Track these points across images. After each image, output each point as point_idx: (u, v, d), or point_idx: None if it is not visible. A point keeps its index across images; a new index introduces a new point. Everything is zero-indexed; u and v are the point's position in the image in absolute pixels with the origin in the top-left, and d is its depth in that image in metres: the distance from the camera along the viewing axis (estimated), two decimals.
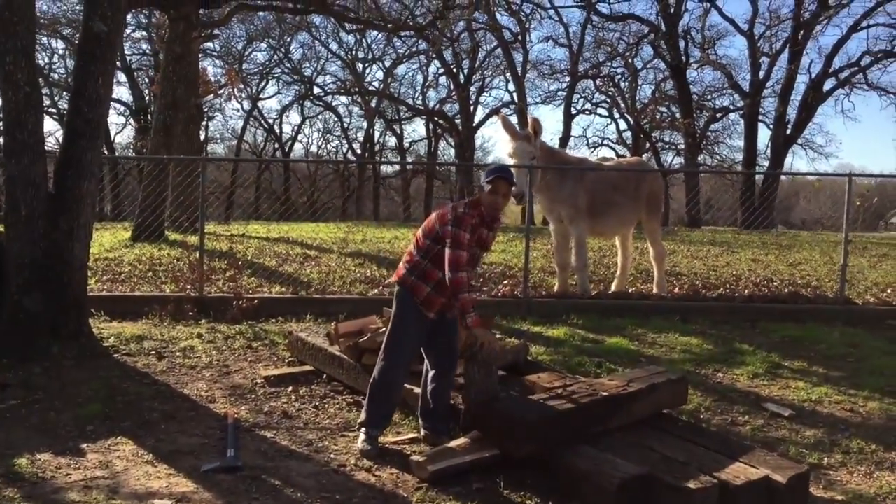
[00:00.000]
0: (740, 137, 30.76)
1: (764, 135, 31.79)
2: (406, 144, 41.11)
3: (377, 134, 40.41)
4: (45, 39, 29.24)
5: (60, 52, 31.92)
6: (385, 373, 4.76)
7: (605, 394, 4.62)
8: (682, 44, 29.00)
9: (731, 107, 32.03)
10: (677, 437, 4.55)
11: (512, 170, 4.83)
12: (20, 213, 6.21)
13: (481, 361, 4.59)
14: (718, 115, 32.59)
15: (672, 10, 28.35)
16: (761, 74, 28.57)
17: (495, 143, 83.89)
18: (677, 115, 29.78)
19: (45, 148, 6.52)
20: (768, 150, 28.94)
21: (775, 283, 10.41)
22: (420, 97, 37.42)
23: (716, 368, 6.60)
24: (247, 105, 37.16)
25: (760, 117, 29.38)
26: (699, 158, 30.58)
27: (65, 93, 30.72)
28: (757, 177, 25.39)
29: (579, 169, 8.97)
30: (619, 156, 31.85)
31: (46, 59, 31.36)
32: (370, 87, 36.08)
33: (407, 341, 4.76)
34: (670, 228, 19.77)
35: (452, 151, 40.25)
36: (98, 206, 27.78)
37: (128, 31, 29.65)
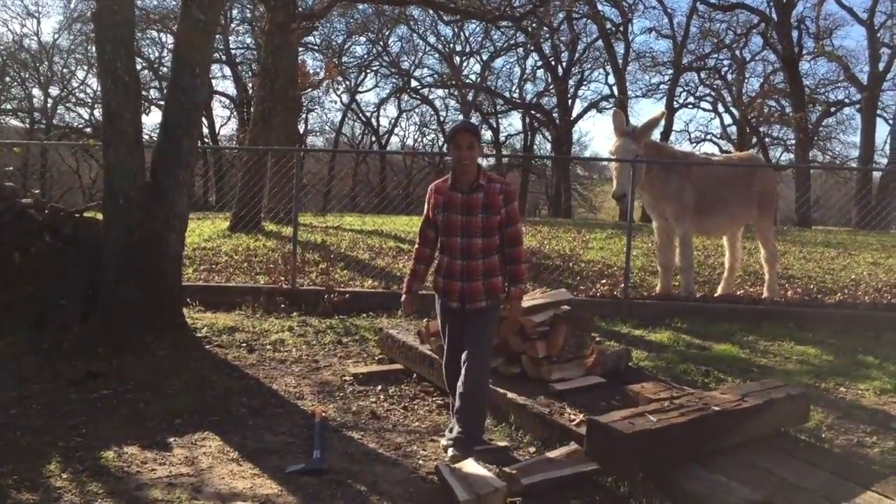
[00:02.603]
0: (855, 133, 29.18)
1: (882, 130, 30.00)
2: (502, 138, 40.72)
3: None
4: (154, 34, 30.29)
5: (170, 46, 32.99)
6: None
7: (716, 408, 4.23)
8: (794, 34, 27.60)
9: (847, 100, 30.36)
10: (798, 459, 4.13)
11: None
12: (118, 201, 6.25)
13: None
14: (832, 109, 30.91)
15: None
16: (881, 66, 26.92)
17: (593, 137, 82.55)
18: (787, 110, 28.38)
19: (145, 138, 6.56)
20: (886, 146, 27.29)
21: None
22: (517, 90, 37.02)
23: (837, 382, 6.05)
24: (345, 98, 37.60)
25: (879, 111, 27.67)
26: (810, 154, 29.02)
27: None
28: (874, 174, 23.90)
29: (685, 163, 8.47)
30: (722, 151, 30.63)
31: (157, 54, 32.49)
32: (467, 81, 35.86)
33: (444, 340, 4.62)
34: (779, 228, 18.75)
35: (548, 146, 39.65)
36: (203, 197, 28.67)
37: (232, 25, 30.43)
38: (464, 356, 4.40)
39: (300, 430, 4.74)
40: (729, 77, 32.27)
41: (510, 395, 4.90)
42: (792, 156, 30.72)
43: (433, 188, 4.52)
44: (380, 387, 5.64)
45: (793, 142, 30.02)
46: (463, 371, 4.38)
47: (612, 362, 5.45)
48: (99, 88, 34.71)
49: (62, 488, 3.83)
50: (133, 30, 6.47)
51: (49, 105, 34.56)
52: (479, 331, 4.43)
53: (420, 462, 4.35)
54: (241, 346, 6.59)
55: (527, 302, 5.37)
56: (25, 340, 6.24)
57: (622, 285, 8.58)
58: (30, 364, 5.81)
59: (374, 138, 41.28)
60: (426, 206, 4.53)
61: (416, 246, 4.68)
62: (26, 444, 4.37)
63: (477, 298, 4.38)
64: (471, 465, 4.03)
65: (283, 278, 8.65)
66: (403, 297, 4.75)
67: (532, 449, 4.54)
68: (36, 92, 34.51)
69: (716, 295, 8.76)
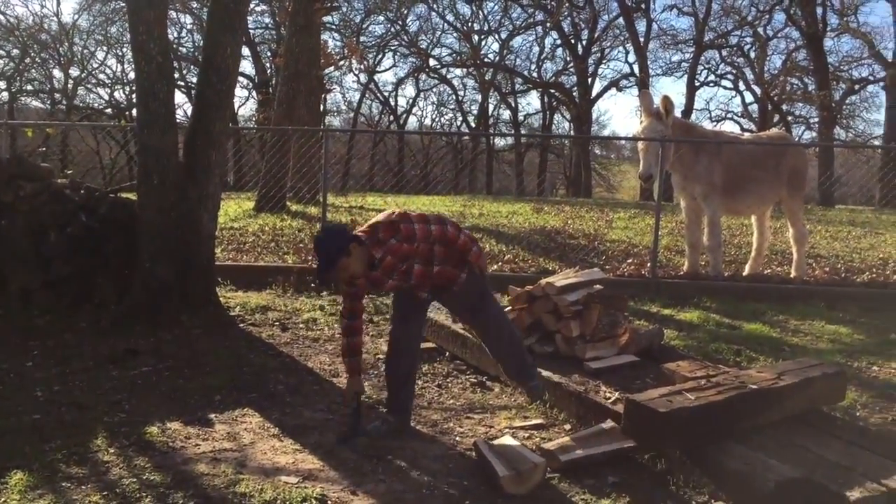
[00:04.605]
0: (878, 110, 28.81)
1: None
2: (520, 118, 40.59)
3: (491, 107, 40.02)
4: (173, 14, 30.25)
5: (189, 26, 33.04)
6: None
7: (753, 386, 4.24)
8: (818, 11, 27.22)
9: (871, 77, 29.93)
10: (835, 437, 4.14)
11: None
12: (152, 182, 6.31)
13: None
14: (856, 86, 30.51)
15: None
16: None
17: (611, 116, 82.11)
18: (810, 87, 28.04)
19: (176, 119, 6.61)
20: None
21: None
22: (536, 69, 36.81)
23: (870, 361, 6.05)
24: (363, 78, 37.52)
25: None
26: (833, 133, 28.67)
27: (192, 66, 31.82)
28: None
29: (715, 143, 8.42)
30: (743, 130, 30.38)
31: (175, 34, 32.47)
32: (485, 60, 35.69)
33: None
34: (804, 207, 18.62)
35: (567, 125, 39.46)
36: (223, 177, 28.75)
37: (251, 5, 30.35)
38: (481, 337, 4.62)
39: (337, 407, 4.79)
40: (751, 54, 31.94)
41: (545, 373, 4.92)
42: (814, 134, 30.40)
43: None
44: None
45: (815, 120, 29.70)
46: (487, 343, 4.60)
47: (646, 341, 5.47)
48: (118, 70, 35.00)
49: (110, 462, 3.91)
50: (166, 11, 6.50)
51: (69, 86, 34.70)
52: (476, 302, 4.41)
53: (457, 439, 4.40)
54: (275, 324, 6.67)
55: (560, 281, 5.40)
56: (64, 319, 6.36)
57: (649, 264, 8.57)
58: (69, 342, 5.92)
59: (391, 118, 41.23)
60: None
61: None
62: (72, 419, 4.46)
63: (452, 279, 4.27)
64: (509, 442, 4.08)
65: (311, 258, 8.70)
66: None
67: (567, 426, 4.58)
68: (56, 73, 34.68)
69: (744, 274, 8.74)
